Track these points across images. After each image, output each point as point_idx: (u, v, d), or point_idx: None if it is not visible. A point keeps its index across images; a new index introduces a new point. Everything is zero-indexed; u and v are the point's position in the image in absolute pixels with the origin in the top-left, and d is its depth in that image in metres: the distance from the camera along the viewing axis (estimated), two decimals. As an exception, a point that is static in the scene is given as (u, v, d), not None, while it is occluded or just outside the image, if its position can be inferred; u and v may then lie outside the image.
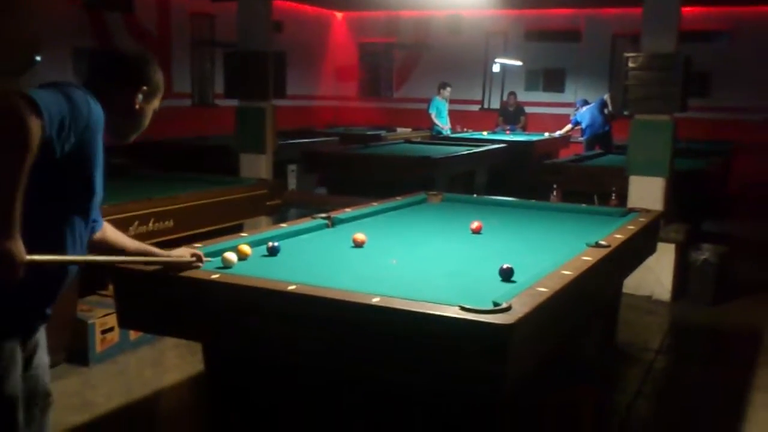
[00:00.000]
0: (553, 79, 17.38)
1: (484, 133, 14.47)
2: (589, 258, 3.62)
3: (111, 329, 5.19)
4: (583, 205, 5.89)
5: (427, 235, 4.61)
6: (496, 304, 2.71)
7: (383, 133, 14.20)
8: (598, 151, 12.14)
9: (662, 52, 7.01)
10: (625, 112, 7.51)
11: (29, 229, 2.23)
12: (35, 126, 2.19)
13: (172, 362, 5.28)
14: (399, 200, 5.60)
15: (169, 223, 5.52)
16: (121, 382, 4.95)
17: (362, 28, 19.19)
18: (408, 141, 12.56)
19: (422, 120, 14.97)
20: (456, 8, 16.41)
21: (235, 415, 3.51)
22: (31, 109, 2.19)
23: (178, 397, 4.89)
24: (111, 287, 3.56)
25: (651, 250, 5.37)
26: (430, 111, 14.14)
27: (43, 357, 2.74)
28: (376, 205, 5.29)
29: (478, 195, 6.69)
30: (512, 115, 15.58)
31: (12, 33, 10.39)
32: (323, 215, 4.65)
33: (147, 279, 3.15)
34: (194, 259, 3.18)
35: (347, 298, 2.80)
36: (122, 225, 4.99)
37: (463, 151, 10.49)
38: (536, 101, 16.96)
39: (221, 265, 3.35)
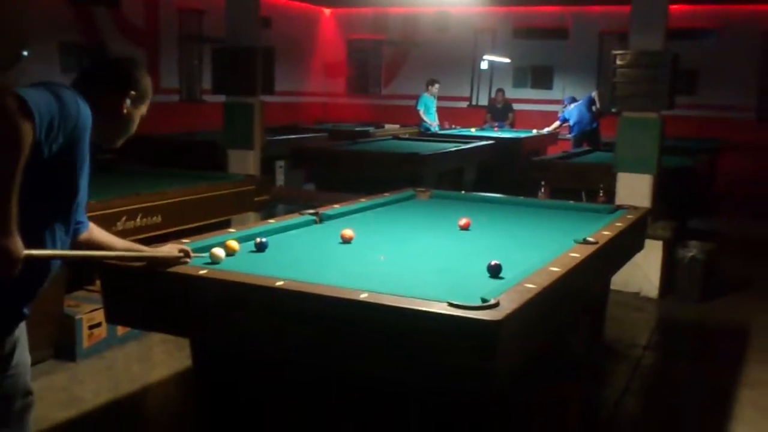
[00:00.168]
0: (541, 77, 17.41)
1: (472, 129, 14.48)
2: (577, 255, 3.63)
3: (98, 325, 5.17)
4: (571, 201, 5.90)
5: (415, 231, 4.61)
6: (484, 300, 2.71)
7: (371, 129, 14.19)
8: (585, 148, 12.17)
9: (650, 50, 7.02)
10: (613, 110, 7.52)
11: None
12: (26, 126, 2.19)
13: (159, 358, 5.26)
14: (387, 197, 5.59)
15: (157, 219, 5.51)
16: (109, 377, 4.93)
17: (350, 24, 19.18)
18: (396, 137, 12.56)
19: (410, 116, 14.98)
20: (444, 5, 16.43)
21: (223, 411, 3.50)
22: (21, 109, 2.19)
23: (166, 393, 4.88)
24: (98, 283, 3.54)
25: (639, 247, 5.38)
26: (419, 107, 14.15)
27: (23, 355, 2.71)
28: (364, 202, 5.29)
29: (466, 192, 6.69)
30: (500, 112, 15.61)
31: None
32: (311, 211, 4.65)
33: (134, 275, 3.14)
34: (182, 254, 3.18)
35: (335, 294, 2.79)
36: (110, 220, 5.00)
37: (451, 147, 10.49)
38: (524, 98, 17.01)
39: (209, 260, 3.34)
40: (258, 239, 3.76)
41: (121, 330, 5.33)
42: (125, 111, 2.72)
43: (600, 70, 16.38)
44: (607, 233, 4.28)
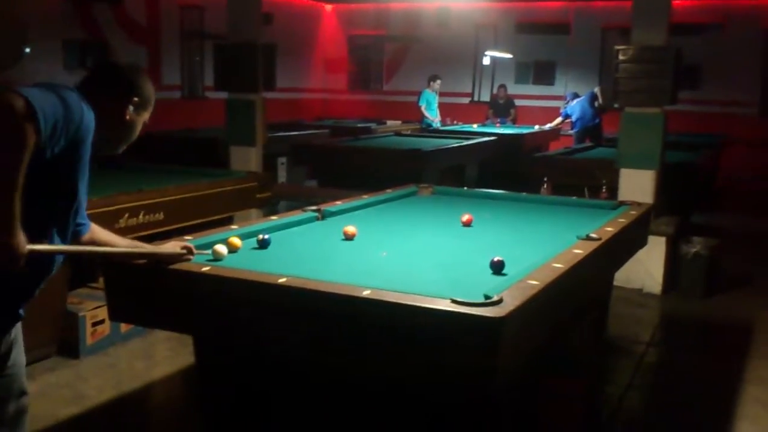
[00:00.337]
0: (543, 72, 17.39)
1: (474, 125, 14.47)
2: (580, 251, 3.62)
3: (102, 322, 5.17)
4: (574, 198, 5.89)
5: (417, 227, 4.60)
6: (487, 297, 2.70)
7: (373, 125, 14.19)
8: (588, 144, 12.16)
9: (653, 45, 7.01)
10: (616, 105, 7.51)
11: None
12: (30, 125, 2.20)
13: (163, 355, 5.26)
14: (389, 193, 5.58)
15: (159, 216, 5.50)
16: (112, 374, 4.93)
17: (352, 20, 19.16)
18: (398, 134, 12.55)
19: (412, 113, 14.96)
20: (445, 1, 16.40)
21: (226, 408, 3.50)
22: (26, 108, 2.19)
23: (169, 390, 4.88)
24: (101, 280, 3.54)
25: (642, 242, 5.38)
26: (420, 103, 14.14)
27: (19, 356, 2.70)
28: (366, 198, 5.28)
29: (468, 188, 6.68)
30: (502, 107, 15.59)
31: (0, 24, 10.34)
32: (313, 208, 4.64)
33: (138, 271, 3.13)
34: (185, 251, 3.17)
35: (338, 291, 2.79)
36: (112, 217, 5.00)
37: (453, 143, 10.48)
38: (526, 94, 16.97)
39: (212, 257, 3.33)
40: (260, 236, 3.76)
41: (124, 327, 5.33)
42: (128, 117, 2.72)
43: (602, 66, 16.36)
44: (610, 229, 4.27)
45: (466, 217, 4.58)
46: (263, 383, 3.42)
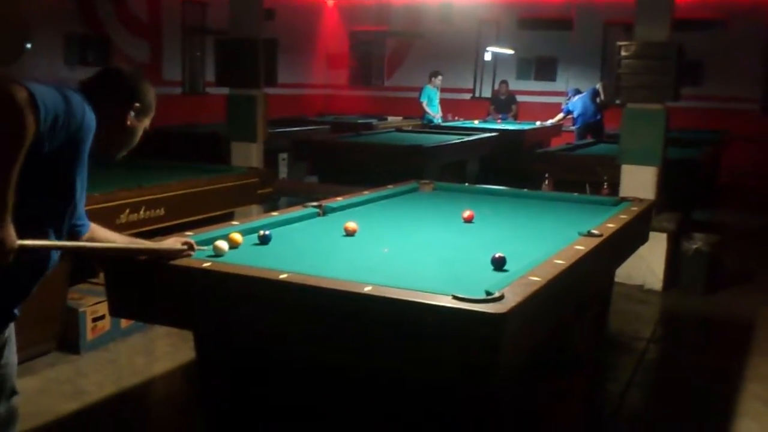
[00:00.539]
0: (544, 68, 17.37)
1: (476, 121, 14.46)
2: (581, 247, 3.62)
3: (102, 317, 5.16)
4: (575, 194, 5.88)
5: (418, 223, 4.60)
6: (488, 293, 2.70)
7: (374, 121, 14.17)
8: (589, 140, 12.15)
9: (655, 41, 6.99)
10: (618, 101, 7.49)
11: None
12: (31, 116, 2.20)
13: (163, 350, 5.26)
14: (391, 189, 5.58)
15: (160, 212, 5.50)
16: (113, 370, 4.93)
17: (353, 16, 19.12)
18: (399, 130, 12.54)
19: (413, 108, 14.94)
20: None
21: (227, 403, 3.50)
22: (28, 98, 2.19)
23: (170, 385, 4.88)
24: (102, 275, 3.54)
25: (643, 239, 5.37)
26: (422, 99, 14.12)
27: (11, 356, 2.69)
28: (367, 194, 5.28)
29: (469, 184, 6.68)
30: (504, 103, 15.57)
31: (1, 20, 10.33)
32: (314, 204, 4.64)
33: (138, 267, 3.13)
34: (185, 247, 3.17)
35: (339, 287, 2.78)
36: (113, 213, 4.99)
37: (455, 139, 10.48)
38: (528, 90, 16.96)
39: (212, 253, 3.33)
40: (261, 232, 3.76)
41: (124, 323, 5.33)
42: (129, 123, 2.72)
43: (604, 62, 16.34)
44: (612, 225, 4.27)
45: (467, 214, 4.58)
46: (264, 379, 3.41)
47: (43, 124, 2.24)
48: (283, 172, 11.06)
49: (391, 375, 2.91)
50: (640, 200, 5.37)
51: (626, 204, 5.18)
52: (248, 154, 8.67)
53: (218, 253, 3.34)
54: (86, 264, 5.28)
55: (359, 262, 3.45)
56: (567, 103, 14.18)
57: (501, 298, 2.64)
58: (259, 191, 6.79)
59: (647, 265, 6.98)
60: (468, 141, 10.65)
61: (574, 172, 8.57)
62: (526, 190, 6.00)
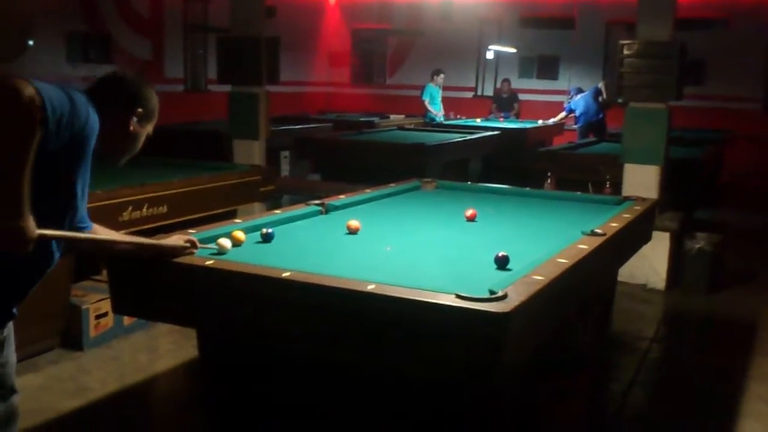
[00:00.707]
0: (547, 67, 17.34)
1: (478, 120, 14.45)
2: (584, 246, 3.62)
3: (105, 314, 5.17)
4: (578, 193, 5.88)
5: (421, 222, 4.59)
6: (492, 292, 2.69)
7: (376, 119, 14.15)
8: (591, 138, 12.14)
9: (658, 40, 6.98)
10: (620, 100, 7.49)
11: None
12: (38, 110, 2.21)
13: (166, 348, 5.26)
14: (393, 187, 5.58)
15: (163, 209, 5.49)
16: (115, 367, 4.93)
17: (355, 14, 19.11)
18: (401, 128, 12.54)
19: (415, 107, 14.94)
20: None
21: (229, 401, 3.50)
22: (35, 94, 2.21)
23: (172, 383, 4.88)
24: (105, 272, 3.54)
25: (646, 238, 5.37)
26: (424, 98, 14.12)
27: (10, 355, 2.68)
28: (369, 192, 5.27)
29: (471, 182, 6.68)
30: (506, 102, 15.55)
31: (3, 18, 10.33)
32: (317, 202, 4.64)
33: (141, 265, 3.12)
34: (188, 245, 3.17)
35: (342, 286, 2.78)
36: (116, 210, 4.99)
37: (457, 138, 10.47)
38: (530, 88, 16.94)
39: (215, 251, 3.32)
40: (264, 230, 3.76)
41: (127, 320, 5.33)
42: (131, 128, 2.72)
43: (606, 61, 16.33)
44: (615, 225, 4.26)
45: (469, 212, 4.58)
46: (266, 377, 3.41)
47: (51, 119, 2.25)
48: (285, 169, 11.05)
49: (394, 374, 2.91)
50: (643, 199, 5.37)
51: (629, 203, 5.17)
52: (250, 152, 8.66)
53: (221, 251, 3.33)
54: (90, 261, 5.28)
55: (362, 261, 3.45)
56: (569, 102, 14.18)
57: (504, 297, 2.64)
58: (262, 189, 6.79)
59: (650, 264, 6.98)
60: (470, 139, 10.64)
61: (576, 171, 8.57)
62: (528, 188, 6.00)
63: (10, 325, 2.64)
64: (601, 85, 13.80)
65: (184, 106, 13.20)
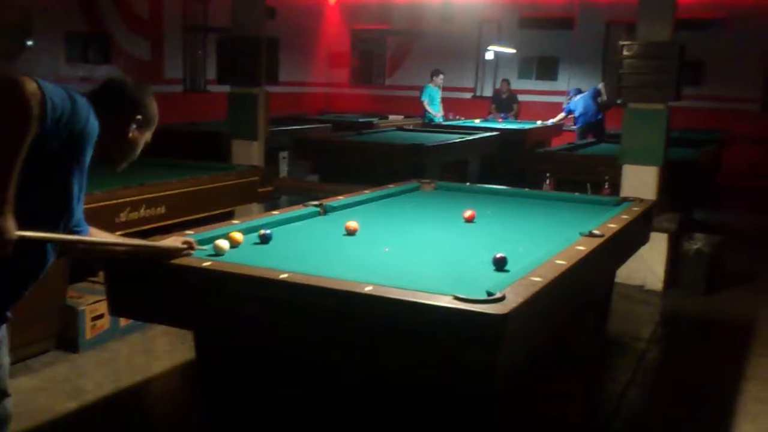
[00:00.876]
0: (546, 67, 17.35)
1: (477, 120, 14.44)
2: (582, 247, 3.61)
3: (101, 316, 5.15)
4: (576, 194, 5.87)
5: (420, 223, 4.58)
6: (489, 293, 2.69)
7: (375, 120, 14.15)
8: (590, 139, 12.14)
9: (657, 41, 6.98)
10: (619, 101, 7.48)
11: None
12: (37, 107, 2.22)
13: (162, 349, 5.25)
14: (392, 188, 5.57)
15: (161, 210, 5.49)
16: (112, 369, 4.92)
17: (355, 14, 19.11)
18: (400, 128, 12.53)
19: (415, 107, 14.94)
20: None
21: (225, 403, 3.49)
22: (36, 90, 2.22)
23: (169, 385, 4.87)
24: (101, 274, 3.53)
25: (644, 239, 5.36)
26: (423, 98, 14.11)
27: (4, 358, 2.68)
28: (368, 193, 5.27)
29: (470, 183, 6.67)
30: (505, 102, 15.54)
31: (2, 17, 10.32)
32: (315, 203, 4.63)
33: (138, 266, 3.12)
34: (186, 246, 3.16)
35: (339, 287, 2.78)
36: (114, 211, 4.99)
37: (456, 138, 10.46)
38: (529, 89, 16.94)
39: (213, 252, 3.32)
40: (262, 231, 3.75)
41: (124, 322, 5.32)
42: (130, 135, 2.72)
43: (606, 62, 16.33)
44: (613, 226, 4.26)
45: (468, 213, 4.57)
46: (263, 379, 3.40)
47: (50, 116, 2.25)
48: (283, 170, 11.04)
49: (392, 375, 2.90)
50: (642, 200, 5.36)
51: (627, 204, 5.17)
52: (249, 153, 8.66)
53: (218, 252, 3.32)
54: (86, 262, 5.27)
55: (360, 262, 3.44)
56: (568, 103, 14.17)
57: (502, 298, 2.63)
58: (260, 190, 6.78)
59: (648, 265, 6.97)
60: (469, 140, 10.63)
61: (575, 171, 8.57)
62: (527, 189, 5.99)
63: (3, 328, 2.63)
64: (600, 86, 13.79)
65: (184, 107, 13.20)
